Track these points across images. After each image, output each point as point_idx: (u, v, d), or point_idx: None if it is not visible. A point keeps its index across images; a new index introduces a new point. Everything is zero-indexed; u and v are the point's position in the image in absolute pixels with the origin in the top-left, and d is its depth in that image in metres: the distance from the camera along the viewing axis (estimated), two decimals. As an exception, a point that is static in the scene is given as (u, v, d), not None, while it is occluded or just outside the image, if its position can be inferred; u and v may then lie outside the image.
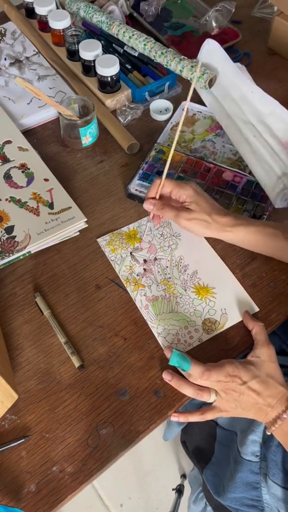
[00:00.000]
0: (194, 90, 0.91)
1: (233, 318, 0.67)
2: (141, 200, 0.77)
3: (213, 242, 0.74)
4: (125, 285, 0.69)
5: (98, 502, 1.27)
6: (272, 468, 0.66)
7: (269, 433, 0.59)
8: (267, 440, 0.67)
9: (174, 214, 0.67)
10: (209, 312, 0.67)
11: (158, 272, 0.71)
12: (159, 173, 0.79)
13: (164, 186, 0.67)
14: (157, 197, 0.68)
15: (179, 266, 0.71)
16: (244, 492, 0.70)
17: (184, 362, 0.59)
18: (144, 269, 0.71)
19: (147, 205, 0.68)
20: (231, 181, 0.78)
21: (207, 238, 0.74)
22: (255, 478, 0.69)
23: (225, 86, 0.84)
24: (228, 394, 0.58)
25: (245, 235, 0.67)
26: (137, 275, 0.70)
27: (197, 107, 0.90)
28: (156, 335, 0.65)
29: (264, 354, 0.61)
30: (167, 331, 0.66)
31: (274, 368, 0.60)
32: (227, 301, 0.68)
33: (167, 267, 0.71)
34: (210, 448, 0.77)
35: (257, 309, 0.67)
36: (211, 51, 0.86)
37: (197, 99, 0.91)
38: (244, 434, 0.70)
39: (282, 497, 0.66)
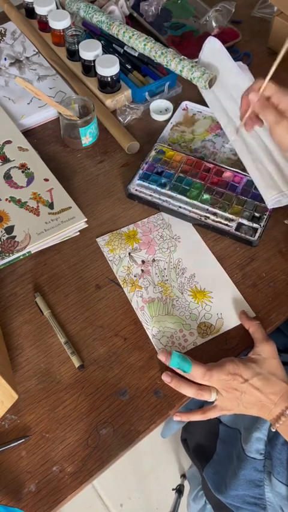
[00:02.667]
0: (196, 89, 0.91)
1: (229, 322, 0.67)
2: (141, 200, 0.77)
3: (213, 242, 0.74)
4: (122, 286, 0.69)
5: (98, 502, 1.27)
6: (277, 466, 0.66)
7: (273, 430, 0.59)
8: (273, 438, 0.67)
9: (276, 117, 0.62)
10: (204, 316, 0.67)
11: (156, 274, 0.71)
12: (159, 173, 0.79)
13: (266, 87, 0.62)
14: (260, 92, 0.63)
15: (176, 269, 0.71)
16: (246, 490, 0.70)
17: (185, 363, 0.59)
18: (142, 270, 0.71)
19: (252, 96, 0.63)
20: (231, 182, 0.78)
21: (206, 240, 0.74)
22: (259, 476, 0.69)
23: (225, 84, 0.84)
24: (230, 393, 0.58)
25: None
26: (135, 276, 0.70)
27: (197, 107, 0.90)
28: (150, 337, 0.65)
29: (265, 351, 0.61)
30: (162, 333, 0.65)
31: (276, 364, 0.60)
32: (223, 306, 0.68)
33: (165, 269, 0.71)
34: (211, 445, 0.77)
35: (253, 314, 0.67)
36: (213, 49, 0.86)
37: (198, 99, 0.91)
38: (248, 432, 0.69)
39: (287, 495, 0.66)
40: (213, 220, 0.74)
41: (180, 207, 0.75)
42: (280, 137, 0.63)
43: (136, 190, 0.78)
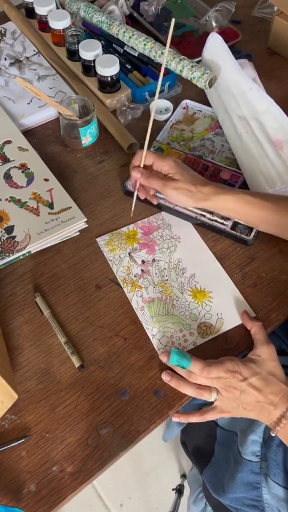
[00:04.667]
0: (195, 89, 0.91)
1: (229, 322, 0.66)
2: (139, 198, 0.77)
3: (213, 242, 0.74)
4: (122, 286, 0.69)
5: (98, 502, 1.27)
6: (273, 468, 0.66)
7: (273, 435, 0.59)
8: (268, 440, 0.67)
9: (161, 183, 0.68)
10: (204, 316, 0.67)
11: (156, 274, 0.71)
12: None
13: (146, 157, 0.69)
14: (141, 166, 0.70)
15: (177, 269, 0.71)
16: (244, 492, 0.70)
17: (184, 359, 0.59)
18: (142, 270, 0.71)
19: (135, 173, 0.69)
20: (228, 180, 0.78)
21: (206, 240, 0.74)
22: (256, 478, 0.69)
23: (226, 80, 0.85)
24: (230, 392, 0.58)
25: (223, 204, 0.68)
26: (135, 276, 0.70)
27: (197, 105, 0.90)
28: (150, 337, 0.65)
29: (264, 353, 0.61)
30: (162, 333, 0.65)
31: (275, 366, 0.60)
32: (224, 306, 0.68)
33: (165, 269, 0.71)
34: (209, 448, 0.77)
35: (253, 314, 0.67)
36: (215, 44, 0.86)
37: (198, 99, 0.91)
38: (244, 434, 0.69)
39: (283, 497, 0.66)
40: (208, 219, 0.74)
41: (176, 204, 0.75)
42: (171, 197, 0.69)
43: (134, 187, 0.78)
